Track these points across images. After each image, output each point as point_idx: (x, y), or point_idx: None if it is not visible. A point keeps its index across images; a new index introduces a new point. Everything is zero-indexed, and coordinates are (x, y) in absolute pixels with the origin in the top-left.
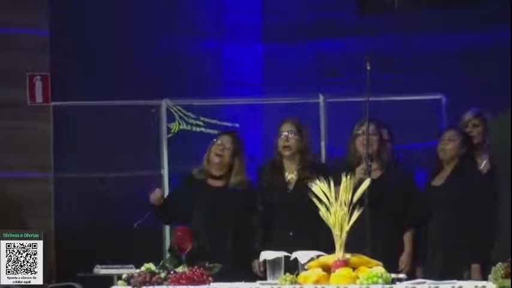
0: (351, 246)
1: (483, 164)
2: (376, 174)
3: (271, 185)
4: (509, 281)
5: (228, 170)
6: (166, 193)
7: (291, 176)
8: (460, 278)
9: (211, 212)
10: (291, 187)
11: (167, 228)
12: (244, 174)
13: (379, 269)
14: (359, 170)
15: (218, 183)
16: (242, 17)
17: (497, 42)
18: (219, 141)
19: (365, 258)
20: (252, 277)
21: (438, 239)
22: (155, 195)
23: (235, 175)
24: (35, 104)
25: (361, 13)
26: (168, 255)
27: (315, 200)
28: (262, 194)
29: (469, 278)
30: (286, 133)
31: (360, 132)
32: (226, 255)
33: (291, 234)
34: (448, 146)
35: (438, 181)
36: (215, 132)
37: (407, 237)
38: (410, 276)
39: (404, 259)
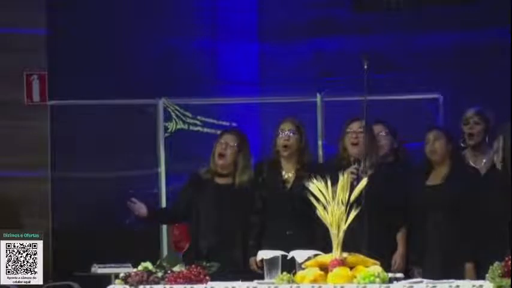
0: (344, 246)
1: (483, 163)
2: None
3: (269, 183)
4: (506, 280)
5: (233, 168)
6: (164, 192)
7: (288, 174)
8: (455, 277)
9: (218, 210)
10: (288, 186)
11: (164, 227)
12: (250, 171)
13: (376, 268)
14: (348, 173)
15: (224, 181)
16: (238, 16)
17: (495, 41)
18: (221, 140)
19: (362, 257)
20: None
21: (434, 239)
22: (140, 211)
23: (240, 172)
24: (32, 103)
25: (358, 11)
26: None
27: (312, 199)
28: (260, 191)
29: (462, 277)
30: (287, 132)
31: (348, 130)
32: (235, 254)
33: (287, 233)
34: (436, 145)
35: (433, 181)
36: (212, 131)
37: (400, 237)
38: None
39: (397, 259)
